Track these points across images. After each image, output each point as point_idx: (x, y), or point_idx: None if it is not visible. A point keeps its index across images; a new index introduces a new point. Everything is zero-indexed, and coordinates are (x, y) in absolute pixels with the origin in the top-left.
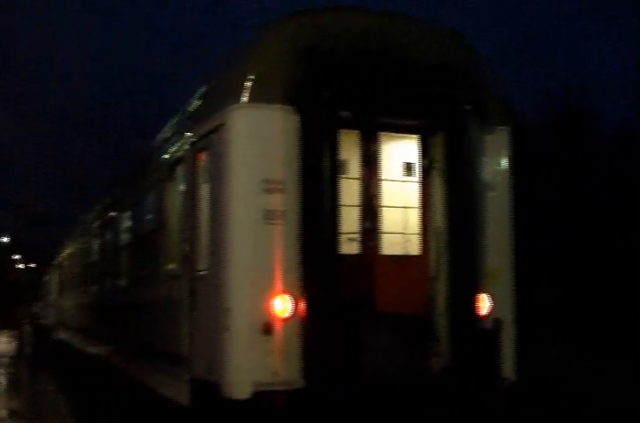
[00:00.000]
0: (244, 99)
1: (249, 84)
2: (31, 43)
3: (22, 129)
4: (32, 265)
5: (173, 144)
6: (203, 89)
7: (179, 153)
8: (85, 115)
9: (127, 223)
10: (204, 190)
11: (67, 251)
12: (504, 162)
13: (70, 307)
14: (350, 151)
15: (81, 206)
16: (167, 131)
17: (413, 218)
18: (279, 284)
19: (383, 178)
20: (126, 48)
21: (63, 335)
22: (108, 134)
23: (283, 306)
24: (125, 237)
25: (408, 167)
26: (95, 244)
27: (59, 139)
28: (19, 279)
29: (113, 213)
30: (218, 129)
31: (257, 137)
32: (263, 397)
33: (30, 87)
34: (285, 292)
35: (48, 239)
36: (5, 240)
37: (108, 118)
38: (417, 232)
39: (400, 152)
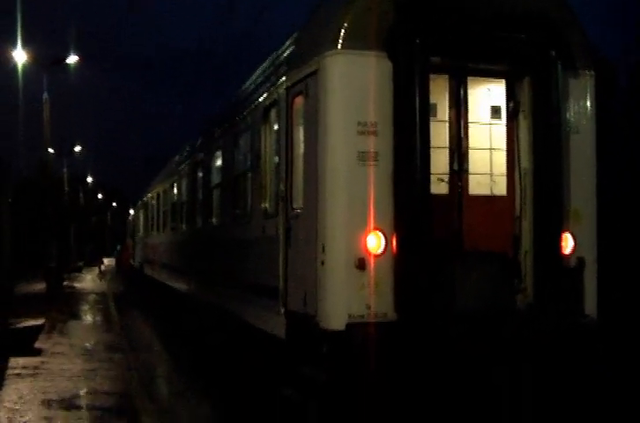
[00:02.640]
0: (339, 45)
1: (343, 30)
2: None
3: (109, 79)
4: (114, 205)
5: (267, 88)
6: (296, 34)
7: (274, 97)
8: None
9: (221, 163)
10: (300, 133)
11: (155, 191)
12: (588, 106)
13: (159, 246)
14: (440, 95)
15: (162, 150)
16: (259, 75)
17: (500, 160)
18: (372, 221)
19: (471, 121)
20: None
21: (150, 272)
22: (192, 81)
23: (376, 242)
24: (219, 177)
25: (495, 111)
26: (186, 184)
27: (144, 87)
28: (105, 219)
29: (206, 154)
30: (313, 74)
31: (352, 81)
32: (357, 329)
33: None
34: (377, 229)
35: (131, 180)
36: (90, 180)
37: (194, 64)
38: (503, 173)
39: (488, 96)
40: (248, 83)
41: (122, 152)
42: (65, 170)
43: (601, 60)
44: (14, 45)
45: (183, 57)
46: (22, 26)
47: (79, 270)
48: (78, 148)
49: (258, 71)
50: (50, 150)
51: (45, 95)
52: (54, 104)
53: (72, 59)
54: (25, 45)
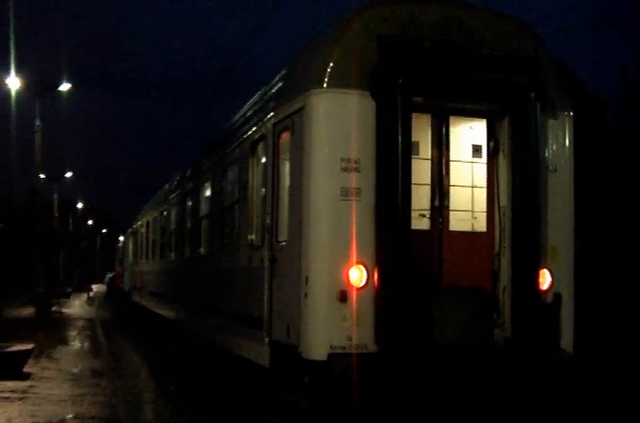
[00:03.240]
0: (324, 84)
1: (329, 70)
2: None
3: (103, 104)
4: (104, 231)
5: (256, 122)
6: (285, 71)
7: (261, 131)
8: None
9: (210, 194)
10: (286, 167)
11: (144, 219)
12: (567, 145)
13: (147, 273)
14: (422, 133)
15: (152, 177)
16: (249, 108)
17: (480, 197)
18: (354, 255)
19: (452, 159)
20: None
21: (139, 299)
22: (191, 108)
23: (358, 275)
24: (207, 207)
25: (476, 149)
26: (176, 213)
27: (146, 111)
28: (95, 245)
29: (195, 184)
30: (299, 111)
31: (336, 119)
32: (338, 359)
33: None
34: (360, 262)
35: (120, 206)
36: (80, 205)
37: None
38: (483, 210)
39: (469, 135)
40: (237, 116)
41: (112, 177)
42: (56, 196)
43: (590, 95)
44: (7, 72)
45: (179, 82)
46: (15, 52)
47: (68, 295)
48: (69, 174)
49: (247, 105)
50: (41, 175)
51: (37, 122)
52: (46, 128)
53: (65, 86)
54: (18, 71)
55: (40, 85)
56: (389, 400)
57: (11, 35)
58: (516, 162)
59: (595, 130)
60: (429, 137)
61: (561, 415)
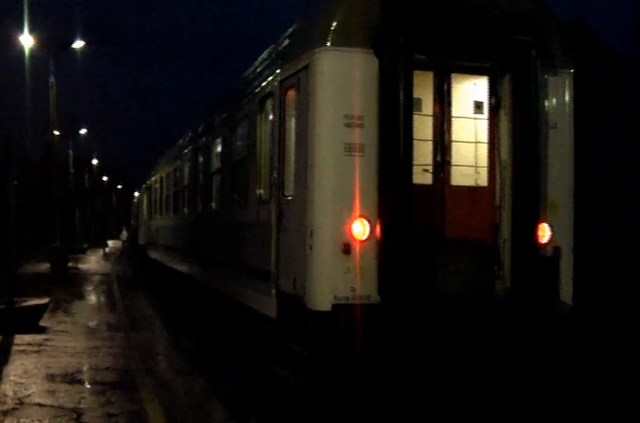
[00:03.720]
0: (329, 42)
1: (332, 28)
2: None
3: (116, 61)
4: (119, 187)
5: (264, 79)
6: (292, 28)
7: (269, 88)
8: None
9: (220, 150)
10: (292, 123)
11: (158, 174)
12: (567, 102)
13: (161, 228)
14: (424, 90)
15: (165, 133)
16: (258, 65)
17: (482, 153)
18: (357, 209)
19: (454, 115)
20: None
21: (154, 254)
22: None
23: (361, 229)
24: (218, 163)
25: (478, 106)
26: (188, 168)
27: (152, 69)
28: (110, 201)
29: (206, 139)
30: (304, 69)
31: (340, 77)
32: (342, 310)
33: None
34: (363, 216)
35: (135, 162)
36: (95, 162)
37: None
38: (485, 165)
39: (471, 92)
40: (247, 72)
41: (127, 134)
42: (71, 152)
43: (605, 50)
44: (21, 29)
45: (192, 39)
46: (29, 10)
47: (84, 251)
48: (83, 130)
49: (257, 62)
50: (56, 132)
51: (51, 79)
52: (61, 86)
53: (79, 44)
54: (32, 29)
55: (53, 43)
56: (391, 349)
57: None
58: (516, 118)
59: (607, 84)
60: (432, 93)
61: (560, 365)
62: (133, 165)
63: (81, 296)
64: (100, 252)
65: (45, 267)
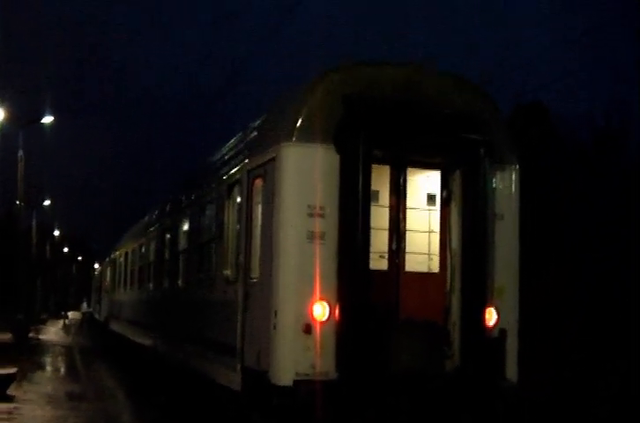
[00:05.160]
0: (294, 138)
1: (298, 125)
2: None
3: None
4: (79, 258)
5: (232, 167)
6: (259, 122)
7: (237, 176)
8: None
9: (187, 229)
10: (258, 210)
11: (123, 249)
12: (513, 195)
13: (125, 302)
14: (381, 182)
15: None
16: (226, 152)
17: (434, 241)
18: (318, 292)
19: (409, 206)
20: None
21: (115, 327)
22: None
23: (321, 310)
24: (185, 242)
25: (430, 197)
26: (154, 245)
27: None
28: (70, 272)
29: (174, 219)
30: (271, 161)
31: (304, 169)
32: (303, 385)
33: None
34: (323, 299)
35: (95, 235)
36: (57, 233)
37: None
38: (436, 253)
39: (424, 184)
40: (215, 157)
41: (89, 205)
42: (34, 223)
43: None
44: None
45: (158, 115)
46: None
47: (44, 322)
48: (47, 202)
49: (225, 149)
50: (19, 202)
51: (20, 153)
52: (28, 156)
53: (48, 119)
54: (2, 102)
55: (23, 117)
56: (345, 421)
57: None
58: (466, 210)
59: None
60: (388, 186)
61: None
62: (94, 237)
63: (45, 366)
64: (60, 323)
65: (6, 337)
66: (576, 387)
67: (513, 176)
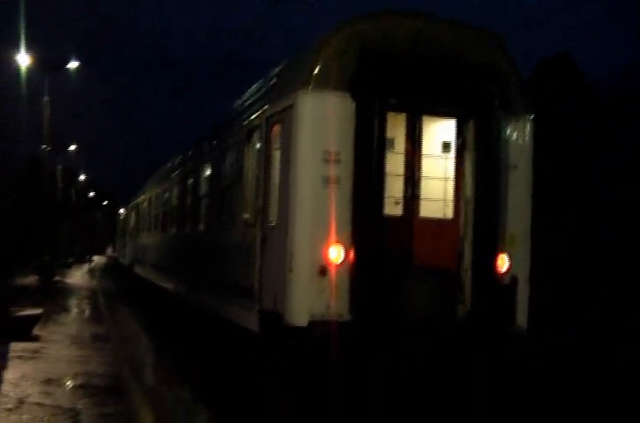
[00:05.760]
0: (311, 85)
1: (315, 73)
2: None
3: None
4: (105, 203)
5: (252, 113)
6: (279, 69)
7: (256, 122)
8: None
9: (208, 175)
10: (276, 156)
11: (147, 194)
12: (526, 145)
13: (149, 246)
14: (397, 130)
15: (151, 151)
16: (247, 98)
17: (449, 188)
18: (333, 236)
19: (424, 153)
20: None
21: (139, 271)
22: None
23: (336, 253)
24: (206, 187)
25: (445, 146)
26: (177, 190)
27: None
28: (95, 217)
29: (196, 164)
30: (288, 108)
31: (320, 117)
32: (317, 326)
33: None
34: (338, 242)
35: (120, 179)
36: (82, 177)
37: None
38: (451, 199)
39: (439, 133)
40: (237, 104)
41: (113, 151)
42: (59, 167)
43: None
44: (18, 48)
45: (183, 63)
46: (25, 28)
47: (69, 266)
48: (72, 147)
49: (246, 95)
50: (45, 146)
51: (46, 98)
52: (53, 102)
53: (73, 64)
54: (29, 46)
55: (49, 61)
56: (359, 363)
57: (22, 12)
58: (479, 159)
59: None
60: (404, 133)
61: (511, 382)
62: (119, 181)
63: (69, 309)
64: (86, 267)
65: (32, 280)
66: (598, 331)
67: (527, 127)
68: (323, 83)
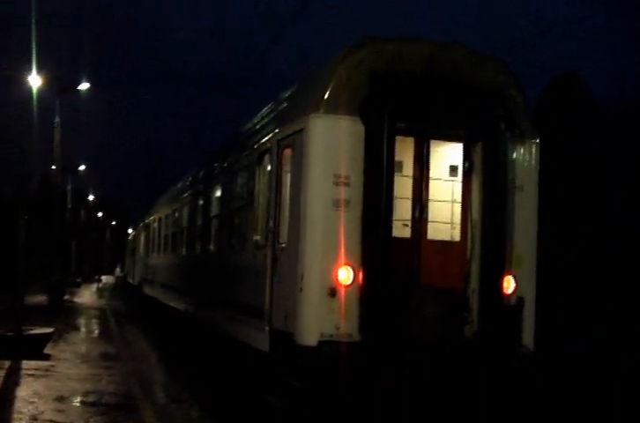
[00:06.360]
0: (321, 110)
1: (325, 98)
2: None
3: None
4: (113, 223)
5: (263, 136)
6: (289, 93)
7: (268, 145)
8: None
9: (219, 196)
10: (287, 179)
11: (157, 215)
12: (533, 168)
13: (158, 266)
14: (405, 154)
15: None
16: (258, 122)
17: (456, 211)
18: (342, 257)
19: (431, 177)
20: None
21: (149, 291)
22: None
23: (346, 275)
24: (217, 209)
25: (453, 169)
26: (187, 211)
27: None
28: (104, 236)
29: (207, 185)
30: (300, 131)
31: (330, 140)
32: (327, 346)
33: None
34: (348, 264)
35: (128, 200)
36: (91, 198)
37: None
38: (458, 222)
39: (447, 156)
40: (247, 126)
41: (122, 171)
42: (69, 187)
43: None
44: (29, 69)
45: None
46: (37, 50)
47: (78, 285)
48: (82, 167)
49: (257, 118)
50: (54, 167)
51: (57, 119)
52: (63, 122)
53: (84, 86)
54: (39, 68)
55: (59, 83)
56: (369, 382)
57: (33, 34)
58: (486, 182)
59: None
60: (412, 157)
61: (521, 402)
62: (127, 201)
63: (79, 328)
64: (94, 287)
65: (41, 299)
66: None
67: (533, 150)
68: (333, 107)
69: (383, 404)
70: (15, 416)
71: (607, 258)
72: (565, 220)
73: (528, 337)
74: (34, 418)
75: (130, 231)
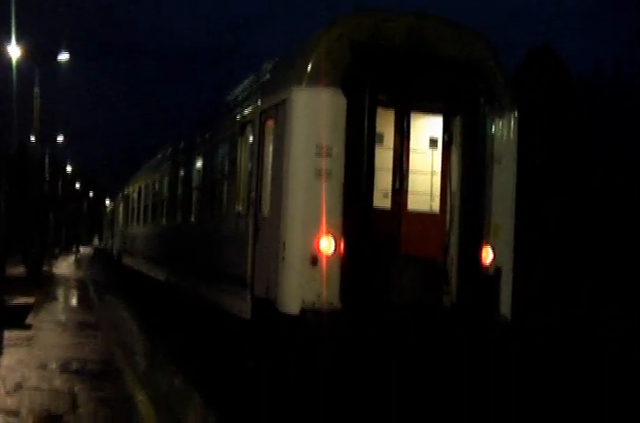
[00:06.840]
0: (304, 82)
1: (307, 70)
2: None
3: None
4: (90, 195)
5: (245, 108)
6: (272, 65)
7: (250, 116)
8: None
9: (201, 166)
10: (269, 149)
11: (136, 185)
12: (511, 140)
13: (138, 236)
14: (386, 126)
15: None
16: (240, 93)
17: (435, 183)
18: (324, 227)
19: (412, 148)
20: None
21: (128, 261)
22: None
23: (327, 244)
24: (199, 179)
25: (433, 141)
26: (168, 181)
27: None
28: (82, 207)
29: (188, 156)
30: (282, 103)
31: (313, 111)
32: (308, 314)
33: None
34: (329, 233)
35: (106, 171)
36: (69, 169)
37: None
38: (437, 194)
39: (427, 128)
40: (229, 97)
41: (100, 142)
42: (47, 158)
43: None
44: (9, 39)
45: (173, 51)
46: (17, 18)
47: (56, 256)
48: (60, 138)
49: (238, 90)
50: (33, 139)
51: (36, 89)
52: (43, 91)
53: (63, 56)
54: (20, 37)
55: (39, 53)
56: (349, 348)
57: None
58: (465, 154)
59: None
60: (393, 129)
61: (496, 370)
62: (104, 173)
63: (59, 298)
64: (72, 258)
65: (20, 270)
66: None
67: (512, 123)
68: (315, 79)
69: (362, 366)
70: None
71: (587, 234)
72: (543, 193)
73: (505, 307)
74: (19, 385)
75: (107, 202)
